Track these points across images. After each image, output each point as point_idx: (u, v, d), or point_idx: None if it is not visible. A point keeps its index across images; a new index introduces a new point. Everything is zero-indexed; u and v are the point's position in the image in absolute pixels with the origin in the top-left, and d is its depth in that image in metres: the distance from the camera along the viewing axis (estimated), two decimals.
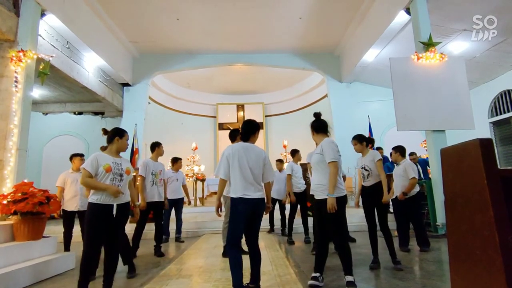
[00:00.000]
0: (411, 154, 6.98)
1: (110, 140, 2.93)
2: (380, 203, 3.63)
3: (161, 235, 4.70)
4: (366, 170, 3.72)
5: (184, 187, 6.04)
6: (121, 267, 3.79)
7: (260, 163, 2.83)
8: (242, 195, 2.68)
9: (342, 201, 2.85)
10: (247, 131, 2.92)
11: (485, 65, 7.99)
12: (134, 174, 4.29)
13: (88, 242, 2.70)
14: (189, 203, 6.80)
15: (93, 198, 2.71)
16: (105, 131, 3.02)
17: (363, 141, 3.76)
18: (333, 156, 2.84)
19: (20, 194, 3.71)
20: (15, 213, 3.64)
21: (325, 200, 2.83)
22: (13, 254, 3.42)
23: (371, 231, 3.64)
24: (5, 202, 3.69)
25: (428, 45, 5.98)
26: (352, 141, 3.79)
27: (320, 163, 2.93)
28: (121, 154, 3.05)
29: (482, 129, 8.60)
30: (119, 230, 2.88)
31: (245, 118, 15.07)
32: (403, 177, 4.51)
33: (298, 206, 5.44)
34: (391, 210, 5.32)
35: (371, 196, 3.69)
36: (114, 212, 2.75)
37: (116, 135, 2.94)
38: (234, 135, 4.24)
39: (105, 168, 2.75)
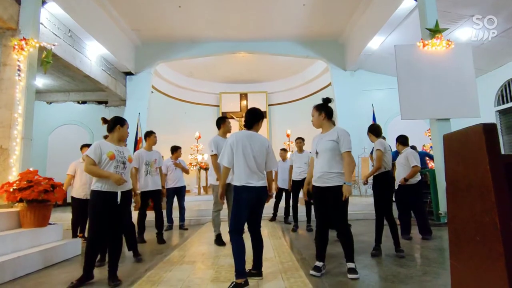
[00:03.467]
0: (411, 147, 6.91)
1: (111, 129, 2.95)
2: (389, 192, 3.68)
3: (161, 223, 4.74)
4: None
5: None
6: (128, 253, 3.86)
7: (264, 152, 2.83)
8: (245, 183, 2.69)
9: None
10: (251, 119, 2.90)
11: (493, 52, 7.83)
12: None
13: (92, 229, 2.76)
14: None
15: (97, 185, 2.75)
16: (104, 120, 3.03)
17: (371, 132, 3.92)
18: (350, 146, 2.89)
19: (25, 182, 3.76)
20: (21, 200, 3.70)
21: (336, 187, 2.85)
22: (20, 240, 3.49)
23: (380, 219, 3.65)
24: (11, 190, 3.74)
25: (435, 31, 5.86)
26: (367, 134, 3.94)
27: (333, 150, 2.90)
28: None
29: (488, 118, 8.48)
30: (124, 217, 2.92)
31: (248, 107, 15.05)
32: (405, 165, 4.51)
33: (301, 194, 5.52)
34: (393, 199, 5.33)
35: (379, 184, 3.74)
36: (119, 199, 2.78)
37: (117, 123, 2.96)
38: (219, 123, 4.40)
39: (108, 156, 2.78)
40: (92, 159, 2.75)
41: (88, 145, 4.66)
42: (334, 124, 3.19)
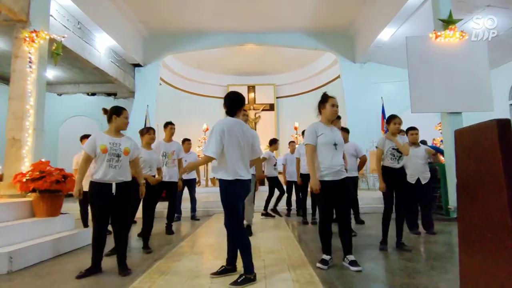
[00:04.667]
0: (422, 142, 6.75)
1: (109, 119, 2.94)
2: (404, 184, 3.63)
3: (173, 215, 4.81)
4: (399, 152, 3.61)
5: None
6: (136, 244, 3.94)
7: (250, 143, 2.70)
8: (239, 176, 2.53)
9: None
10: (234, 105, 2.67)
11: (508, 44, 7.62)
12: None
13: (93, 219, 2.82)
14: (199, 183, 6.88)
15: (93, 176, 2.81)
16: (105, 111, 3.02)
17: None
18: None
19: (38, 173, 3.84)
20: (33, 190, 3.79)
21: (350, 178, 2.99)
22: (33, 229, 3.59)
23: (388, 214, 3.60)
24: (24, 180, 3.83)
25: (448, 22, 5.71)
26: (397, 119, 3.67)
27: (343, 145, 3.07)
28: (124, 132, 3.06)
29: (501, 112, 8.30)
30: (123, 209, 2.91)
31: (256, 100, 14.86)
32: (423, 159, 4.47)
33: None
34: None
35: (401, 178, 3.63)
36: (114, 190, 2.80)
37: (113, 113, 2.93)
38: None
39: (101, 149, 2.79)
40: (87, 153, 2.79)
41: (87, 136, 4.58)
42: None
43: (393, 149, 3.62)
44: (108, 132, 2.93)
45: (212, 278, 2.61)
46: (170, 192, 4.71)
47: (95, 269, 2.82)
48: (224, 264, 2.74)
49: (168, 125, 4.90)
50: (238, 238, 2.57)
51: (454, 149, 1.34)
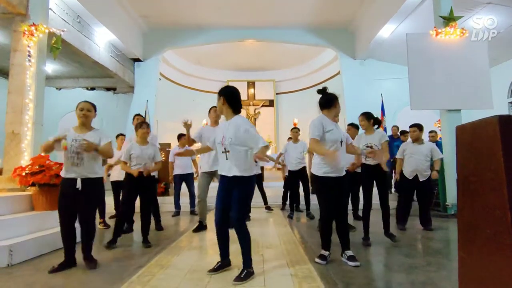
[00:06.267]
0: (431, 132, 6.67)
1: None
2: (382, 181, 3.67)
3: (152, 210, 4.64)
4: (372, 149, 3.62)
5: (194, 161, 6.16)
6: (135, 239, 3.95)
7: None
8: (256, 172, 2.69)
9: None
10: (238, 101, 2.70)
11: (508, 42, 7.60)
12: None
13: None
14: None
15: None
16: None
17: (371, 119, 3.71)
18: None
19: (37, 167, 3.83)
20: (33, 184, 3.78)
21: (346, 176, 3.02)
22: (33, 223, 3.59)
23: (368, 210, 3.64)
24: (23, 174, 3.83)
25: (449, 19, 5.71)
26: (360, 117, 3.73)
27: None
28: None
29: (500, 109, 8.31)
30: (86, 204, 2.89)
31: (256, 96, 14.82)
32: (425, 157, 4.46)
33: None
34: (392, 191, 5.28)
35: (374, 175, 3.69)
36: (79, 186, 2.79)
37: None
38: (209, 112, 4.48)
39: (62, 147, 2.79)
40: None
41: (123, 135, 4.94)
42: None
43: (367, 146, 3.66)
44: (75, 127, 3.01)
45: (209, 274, 2.60)
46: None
47: (68, 263, 2.83)
48: (219, 260, 2.75)
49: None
50: (247, 232, 2.59)
51: (455, 145, 1.34)
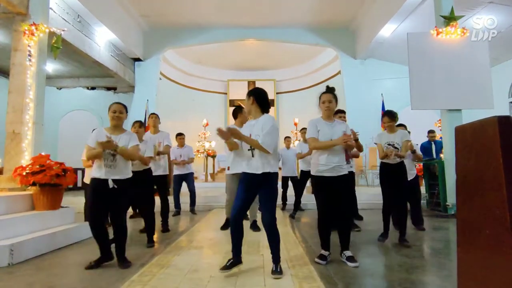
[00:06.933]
0: (430, 131, 6.70)
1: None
2: (403, 181, 3.65)
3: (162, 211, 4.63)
4: (396, 148, 3.60)
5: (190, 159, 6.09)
6: (136, 238, 3.95)
7: None
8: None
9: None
10: (267, 100, 2.83)
11: (510, 41, 7.59)
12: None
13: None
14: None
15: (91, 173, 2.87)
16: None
17: (395, 118, 3.71)
18: None
19: (38, 166, 3.84)
20: (34, 184, 3.79)
21: (348, 175, 3.01)
22: (34, 222, 3.60)
23: (387, 210, 3.67)
24: (24, 173, 3.84)
25: (450, 19, 5.70)
26: (384, 117, 3.71)
27: None
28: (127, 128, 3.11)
29: (501, 109, 8.30)
30: (118, 204, 2.91)
31: None
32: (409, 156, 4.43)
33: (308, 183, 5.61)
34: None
35: (397, 174, 3.63)
36: (112, 185, 2.80)
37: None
38: (235, 113, 4.35)
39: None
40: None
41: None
42: None
43: (389, 144, 3.63)
44: (108, 128, 2.99)
45: (221, 272, 2.58)
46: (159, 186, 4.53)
47: (105, 258, 2.87)
48: (229, 258, 2.72)
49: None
50: (278, 232, 2.67)
51: (455, 145, 1.34)
